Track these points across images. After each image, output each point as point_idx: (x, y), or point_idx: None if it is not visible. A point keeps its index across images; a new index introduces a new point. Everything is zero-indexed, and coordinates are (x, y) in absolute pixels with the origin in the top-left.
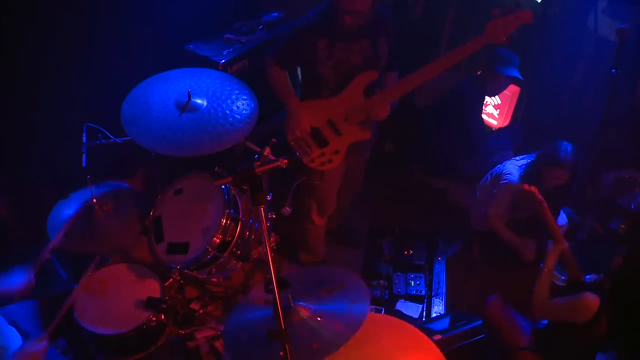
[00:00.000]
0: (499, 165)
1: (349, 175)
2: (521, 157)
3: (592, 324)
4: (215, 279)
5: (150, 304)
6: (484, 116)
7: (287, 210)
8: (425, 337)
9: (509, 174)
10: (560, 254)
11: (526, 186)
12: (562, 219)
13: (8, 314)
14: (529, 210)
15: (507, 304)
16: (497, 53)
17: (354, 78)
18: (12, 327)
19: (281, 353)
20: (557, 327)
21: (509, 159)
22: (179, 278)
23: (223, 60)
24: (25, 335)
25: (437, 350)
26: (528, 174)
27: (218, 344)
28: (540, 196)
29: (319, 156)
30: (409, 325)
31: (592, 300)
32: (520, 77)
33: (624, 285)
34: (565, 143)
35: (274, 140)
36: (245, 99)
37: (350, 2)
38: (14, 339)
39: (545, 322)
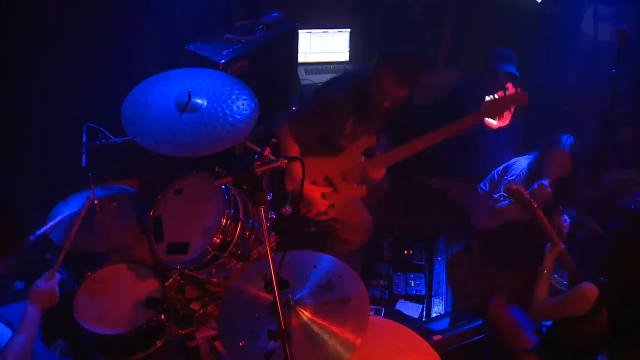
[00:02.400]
0: (505, 164)
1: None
2: (530, 154)
3: (592, 315)
4: (215, 279)
5: (151, 304)
6: None
7: (287, 210)
8: (423, 339)
9: (515, 167)
10: (558, 256)
11: (514, 186)
12: (564, 219)
13: (3, 314)
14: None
15: (510, 304)
16: (494, 51)
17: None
18: (7, 328)
19: None
20: (559, 325)
21: (509, 158)
22: (179, 278)
23: (223, 60)
24: None
25: (434, 353)
26: (534, 164)
27: (218, 344)
28: (528, 196)
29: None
30: (406, 328)
31: (590, 289)
32: (516, 73)
33: (624, 288)
34: (567, 134)
35: (274, 140)
36: (245, 99)
37: (394, 88)
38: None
39: (548, 324)
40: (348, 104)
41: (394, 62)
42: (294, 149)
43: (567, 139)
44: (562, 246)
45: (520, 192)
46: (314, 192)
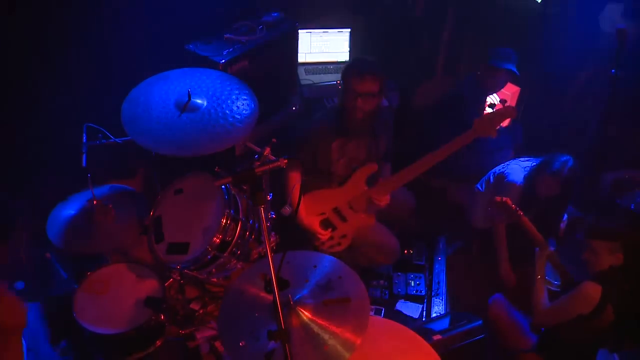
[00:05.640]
0: (502, 165)
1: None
2: (527, 158)
3: (599, 311)
4: (215, 279)
5: (150, 303)
6: None
7: (287, 210)
8: (423, 340)
9: (510, 174)
10: (547, 259)
11: (498, 198)
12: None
13: None
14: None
15: (509, 304)
16: (494, 50)
17: (357, 170)
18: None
19: None
20: (563, 324)
21: (511, 159)
22: (179, 278)
23: (223, 60)
24: (31, 338)
25: (435, 354)
26: (529, 177)
27: (218, 344)
28: (513, 205)
29: (328, 240)
30: (406, 328)
31: (593, 287)
32: (515, 70)
33: (623, 288)
34: (568, 157)
35: (274, 140)
36: (245, 99)
37: (361, 84)
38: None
39: None
40: (325, 128)
41: (352, 63)
42: (296, 179)
43: (566, 162)
44: (550, 249)
45: (504, 202)
46: (312, 222)
